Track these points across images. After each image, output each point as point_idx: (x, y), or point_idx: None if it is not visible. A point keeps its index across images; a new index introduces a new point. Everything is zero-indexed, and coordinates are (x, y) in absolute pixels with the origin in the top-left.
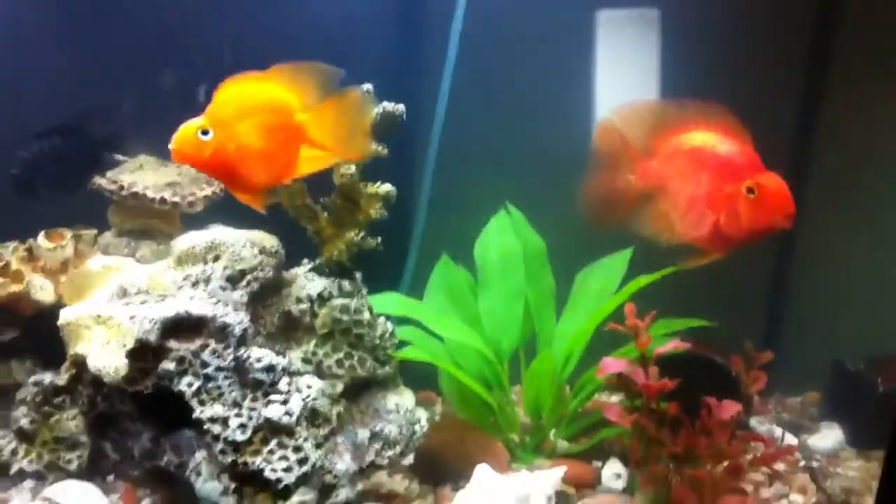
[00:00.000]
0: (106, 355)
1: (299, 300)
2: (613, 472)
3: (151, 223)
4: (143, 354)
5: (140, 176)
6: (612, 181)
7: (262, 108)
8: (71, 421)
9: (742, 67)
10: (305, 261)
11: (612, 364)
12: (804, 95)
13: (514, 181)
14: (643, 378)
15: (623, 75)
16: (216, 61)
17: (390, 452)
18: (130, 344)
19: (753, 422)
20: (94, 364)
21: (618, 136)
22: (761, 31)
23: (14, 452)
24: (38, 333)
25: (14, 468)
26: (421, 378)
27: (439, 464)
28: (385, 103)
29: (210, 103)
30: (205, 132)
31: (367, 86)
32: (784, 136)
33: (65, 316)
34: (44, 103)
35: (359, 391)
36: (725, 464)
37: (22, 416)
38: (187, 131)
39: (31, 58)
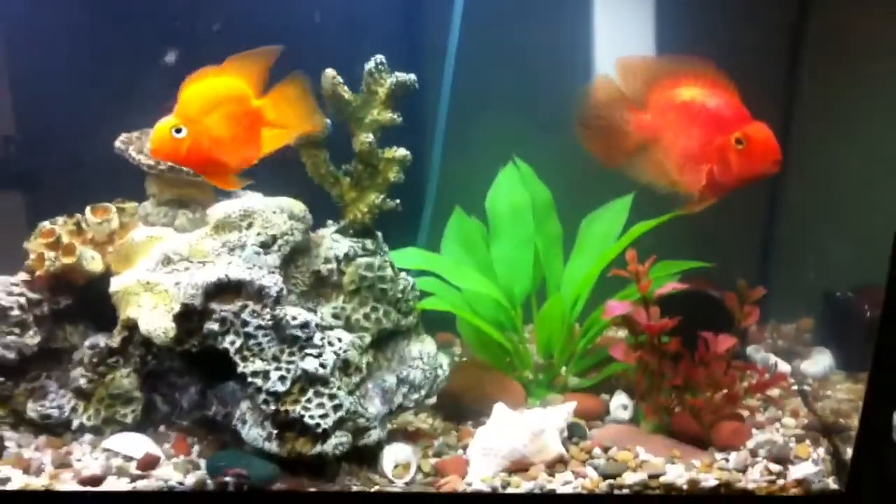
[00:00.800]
0: (155, 319)
1: (327, 260)
2: (620, 404)
3: (186, 193)
4: (189, 317)
5: None
6: (610, 130)
7: (225, 99)
8: (125, 379)
9: (732, 24)
10: (330, 223)
11: (617, 307)
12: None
13: (520, 135)
14: (645, 319)
15: (620, 31)
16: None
17: (416, 395)
18: (177, 308)
19: (750, 349)
20: (144, 327)
21: (614, 89)
22: None
23: (74, 409)
24: (90, 300)
25: (75, 423)
26: (439, 321)
27: (460, 403)
28: (397, 73)
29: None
30: (178, 130)
31: (379, 57)
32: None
33: (115, 284)
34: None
35: (385, 341)
36: (723, 392)
37: (80, 376)
38: (162, 131)
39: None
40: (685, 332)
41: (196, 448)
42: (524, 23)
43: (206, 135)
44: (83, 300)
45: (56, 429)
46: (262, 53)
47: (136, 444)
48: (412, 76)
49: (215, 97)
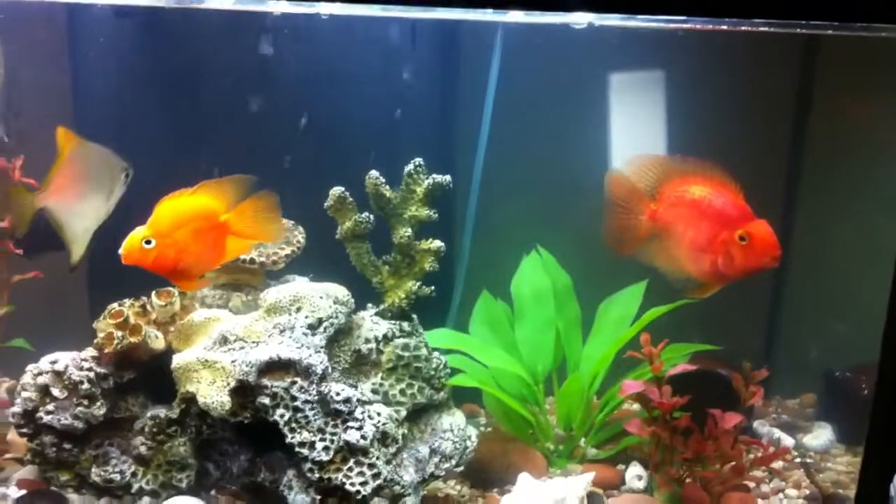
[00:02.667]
0: (212, 393)
1: (367, 340)
2: (635, 475)
3: (241, 278)
4: (243, 391)
5: None
6: (625, 221)
7: (193, 216)
8: (181, 447)
9: (734, 124)
10: (370, 306)
11: (632, 385)
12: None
13: (543, 226)
14: (658, 396)
15: (633, 130)
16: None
17: (446, 465)
18: (233, 384)
19: (756, 424)
20: (202, 400)
21: (628, 184)
22: (750, 94)
23: (134, 474)
24: (150, 373)
25: (134, 487)
26: (465, 393)
27: (486, 471)
28: (434, 175)
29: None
30: (147, 241)
31: (418, 160)
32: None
33: (177, 361)
34: None
35: (419, 414)
36: (730, 464)
37: (140, 444)
38: (133, 241)
39: None
40: (695, 409)
41: None
42: (548, 122)
43: (172, 247)
44: (144, 374)
45: (117, 492)
46: (235, 180)
47: None
48: (447, 178)
49: (185, 214)
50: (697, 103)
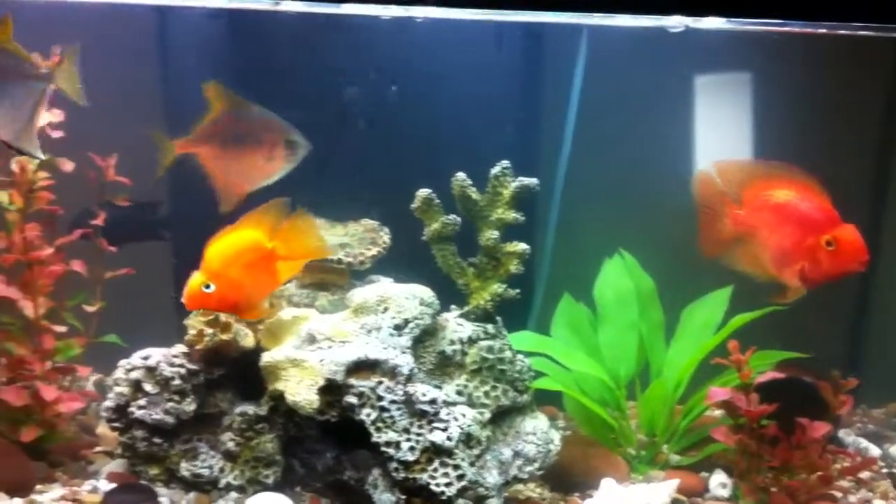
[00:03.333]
0: (301, 391)
1: (452, 342)
2: (719, 482)
3: (327, 277)
4: (331, 390)
5: None
6: (710, 225)
7: (243, 251)
8: (268, 443)
9: (822, 128)
10: (453, 307)
11: (719, 393)
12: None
13: (625, 229)
14: (745, 404)
15: (718, 134)
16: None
17: (529, 468)
18: (321, 382)
19: (842, 433)
20: (291, 398)
21: (714, 187)
22: (839, 97)
23: (222, 470)
24: (239, 371)
25: (222, 482)
26: (543, 396)
27: (567, 474)
28: (521, 178)
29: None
30: (206, 286)
31: (505, 162)
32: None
33: (266, 359)
34: None
35: (502, 417)
36: (817, 474)
37: (229, 440)
38: (193, 289)
39: None
40: (781, 417)
41: None
42: (634, 123)
43: (230, 285)
44: (233, 371)
45: (205, 487)
46: (272, 206)
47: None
48: (534, 180)
49: (234, 251)
50: (784, 106)
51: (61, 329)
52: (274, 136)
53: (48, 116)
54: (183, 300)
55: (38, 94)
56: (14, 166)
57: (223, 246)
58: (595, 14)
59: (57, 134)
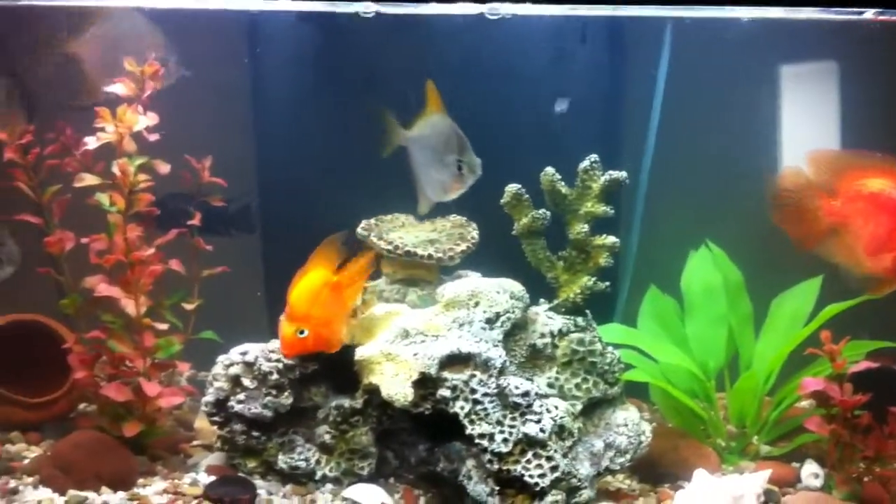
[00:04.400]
0: (395, 385)
1: (542, 335)
2: (811, 472)
3: (416, 273)
4: (425, 384)
5: (403, 233)
6: (802, 217)
7: (320, 289)
8: (363, 436)
9: None
10: (542, 300)
11: (812, 383)
12: None
13: (712, 220)
14: (839, 394)
15: (808, 125)
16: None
17: (621, 459)
18: (415, 376)
19: None
20: (385, 392)
21: (804, 179)
22: None
23: (318, 462)
24: (333, 365)
25: (318, 474)
26: (628, 388)
27: (657, 466)
28: (611, 171)
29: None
30: (301, 332)
31: (594, 156)
32: None
33: (360, 353)
34: None
35: (592, 408)
36: None
37: (324, 433)
38: (289, 337)
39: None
40: (874, 407)
41: (422, 500)
42: (719, 115)
43: (319, 324)
44: (327, 365)
45: (301, 479)
46: (330, 241)
47: (372, 495)
48: (623, 173)
49: (313, 292)
50: (875, 96)
51: (162, 327)
52: (446, 149)
53: (145, 120)
54: (282, 352)
55: None
56: (115, 169)
57: (304, 290)
58: (680, 7)
59: (153, 137)
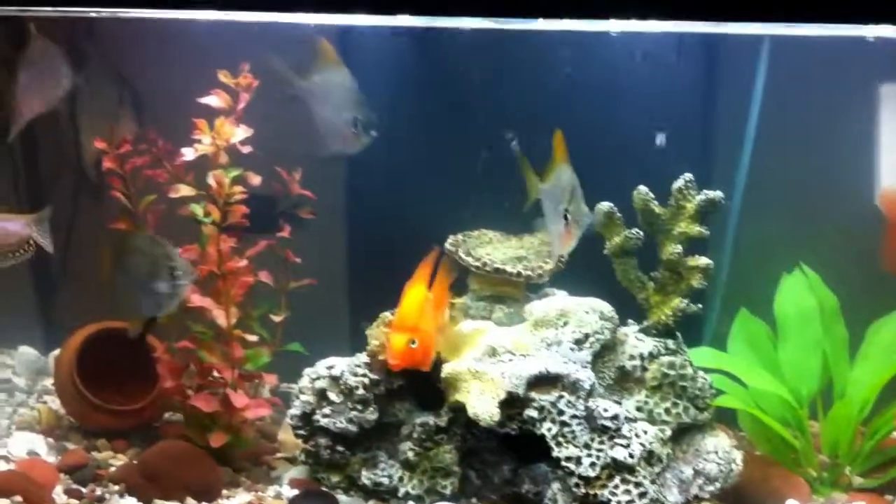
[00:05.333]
0: (482, 404)
1: (632, 357)
2: None
3: (503, 290)
4: (512, 403)
5: (491, 249)
6: None
7: (423, 304)
8: (447, 454)
9: None
10: (630, 321)
11: None
12: None
13: (806, 242)
14: None
15: None
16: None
17: (710, 487)
18: (502, 395)
19: None
20: (472, 410)
21: None
22: None
23: (400, 479)
24: (417, 381)
25: (401, 491)
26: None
27: (745, 494)
28: (706, 191)
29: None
30: (412, 342)
31: (688, 175)
32: None
33: (447, 370)
34: None
35: (682, 434)
36: None
37: (408, 449)
38: (402, 347)
39: None
40: None
41: None
42: (816, 134)
43: (426, 336)
44: (410, 381)
45: (384, 495)
46: (427, 262)
47: None
48: (719, 194)
49: (419, 305)
50: None
51: (252, 338)
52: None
53: (240, 132)
54: (392, 362)
55: None
56: (210, 180)
57: (413, 303)
58: (779, 24)
59: (246, 149)
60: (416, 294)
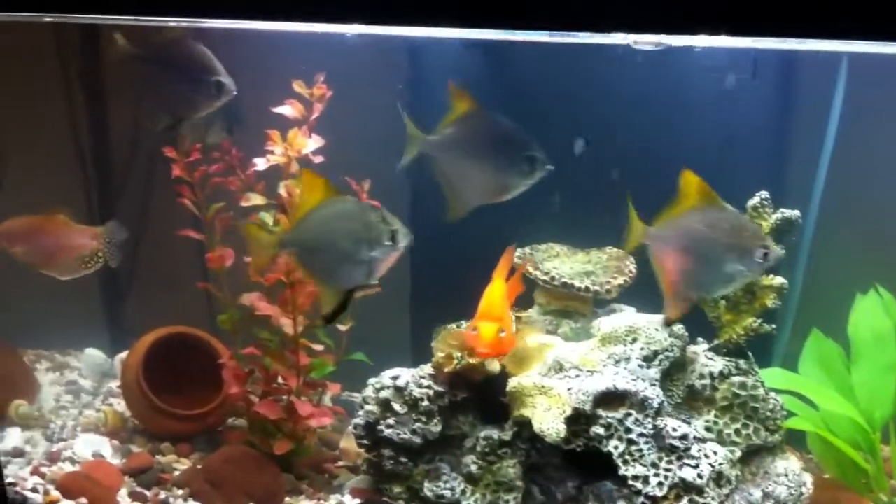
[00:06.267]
0: (548, 419)
1: (702, 376)
2: None
3: (570, 305)
4: (578, 420)
5: (558, 264)
6: None
7: (504, 296)
8: (510, 468)
9: None
10: (700, 340)
11: None
12: None
13: (881, 262)
14: None
15: None
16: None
17: None
18: (568, 412)
19: None
20: (537, 426)
21: None
22: None
23: (463, 492)
24: (482, 394)
25: None
26: None
27: None
28: (783, 210)
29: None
30: (501, 331)
31: (764, 193)
32: None
33: (513, 384)
34: None
35: (751, 455)
36: None
37: (471, 463)
38: (493, 336)
39: None
40: None
41: None
42: (891, 156)
43: (510, 327)
44: (475, 394)
45: None
46: (506, 258)
47: None
48: (796, 212)
49: (502, 297)
50: None
51: (318, 347)
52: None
53: (312, 143)
54: (480, 349)
55: None
56: (282, 190)
57: (498, 295)
58: (858, 41)
59: (318, 159)
60: (499, 286)
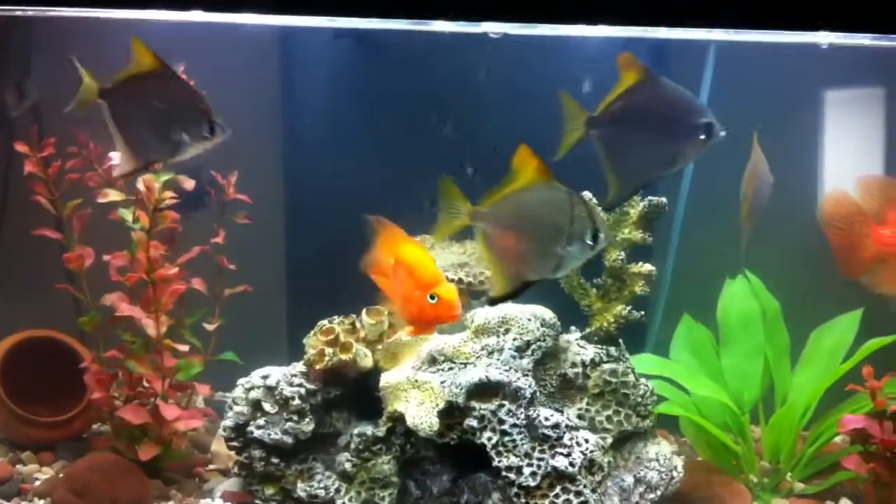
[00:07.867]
0: (421, 413)
1: (574, 364)
2: None
3: None
4: (451, 413)
5: (433, 255)
6: (847, 244)
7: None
8: (385, 465)
9: None
10: (573, 328)
11: (853, 420)
12: None
13: (749, 248)
14: (880, 432)
15: (854, 150)
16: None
17: (652, 495)
18: (441, 405)
19: None
20: (411, 420)
21: (851, 205)
22: None
23: (337, 490)
24: (355, 391)
25: (338, 503)
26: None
27: (687, 501)
28: (650, 197)
29: None
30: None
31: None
32: None
33: (386, 379)
34: None
35: (623, 442)
36: None
37: (345, 461)
38: (458, 297)
39: None
40: None
41: None
42: (762, 139)
43: None
44: (350, 390)
45: None
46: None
47: None
48: (663, 200)
49: (429, 257)
50: None
51: (183, 348)
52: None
53: None
54: (453, 313)
55: None
56: (140, 185)
57: (425, 255)
58: (726, 29)
59: None
60: (416, 247)
